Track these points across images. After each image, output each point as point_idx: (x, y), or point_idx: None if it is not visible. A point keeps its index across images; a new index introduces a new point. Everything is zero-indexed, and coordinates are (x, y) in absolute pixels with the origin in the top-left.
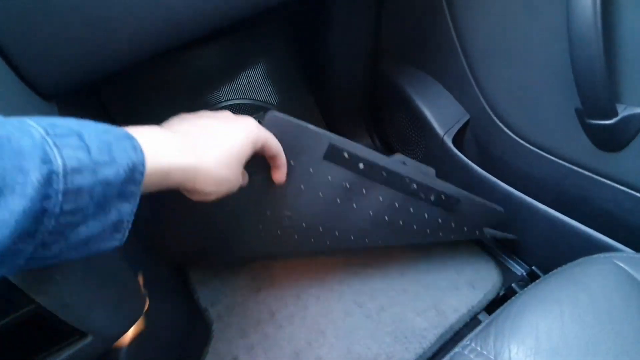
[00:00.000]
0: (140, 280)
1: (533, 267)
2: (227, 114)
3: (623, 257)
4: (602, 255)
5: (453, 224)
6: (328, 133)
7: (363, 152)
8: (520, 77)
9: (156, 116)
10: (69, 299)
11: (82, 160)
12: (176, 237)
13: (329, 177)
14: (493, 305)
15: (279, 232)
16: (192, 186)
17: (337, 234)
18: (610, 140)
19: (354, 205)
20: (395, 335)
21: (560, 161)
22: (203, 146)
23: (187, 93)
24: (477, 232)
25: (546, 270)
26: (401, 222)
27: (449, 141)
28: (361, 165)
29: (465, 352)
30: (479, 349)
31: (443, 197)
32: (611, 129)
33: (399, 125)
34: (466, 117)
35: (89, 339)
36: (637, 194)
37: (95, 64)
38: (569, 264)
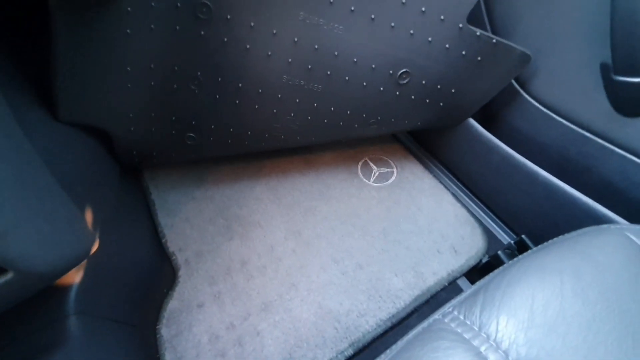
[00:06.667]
0: (89, 216)
1: (522, 236)
2: None
3: (636, 230)
4: (612, 225)
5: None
6: None
7: None
8: (540, 24)
9: None
10: None
11: None
12: (125, 120)
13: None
14: (473, 272)
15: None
16: None
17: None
18: (634, 102)
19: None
20: (369, 293)
21: (571, 125)
22: None
23: None
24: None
25: (535, 240)
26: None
27: None
28: None
29: (446, 320)
30: (461, 317)
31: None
32: (638, 88)
33: None
34: None
35: (9, 275)
36: None
37: None
38: (573, 233)
